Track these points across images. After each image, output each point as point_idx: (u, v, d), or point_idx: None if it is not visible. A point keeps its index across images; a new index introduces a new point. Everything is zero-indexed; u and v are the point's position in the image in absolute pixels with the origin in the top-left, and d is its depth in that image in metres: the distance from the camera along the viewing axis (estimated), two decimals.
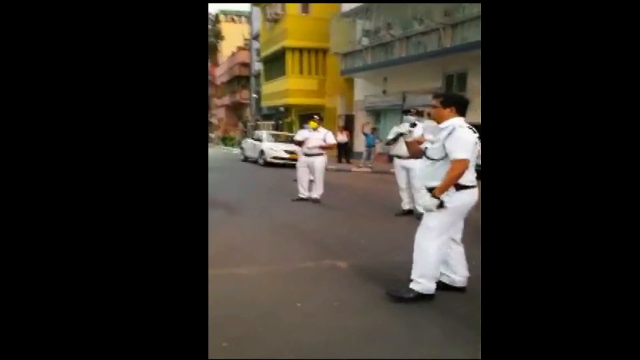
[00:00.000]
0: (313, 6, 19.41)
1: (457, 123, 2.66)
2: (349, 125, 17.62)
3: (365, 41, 15.47)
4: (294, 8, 19.42)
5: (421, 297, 2.72)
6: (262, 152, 14.25)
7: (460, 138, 2.59)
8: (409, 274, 2.77)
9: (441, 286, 2.85)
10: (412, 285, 2.74)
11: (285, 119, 23.27)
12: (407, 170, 5.67)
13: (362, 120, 16.82)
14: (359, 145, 15.29)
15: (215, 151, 24.14)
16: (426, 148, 2.77)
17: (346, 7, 16.42)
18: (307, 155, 6.87)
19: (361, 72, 16.51)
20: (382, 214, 5.98)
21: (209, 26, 36.54)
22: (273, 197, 7.34)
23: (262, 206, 6.44)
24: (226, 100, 36.22)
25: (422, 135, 3.50)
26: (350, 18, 16.14)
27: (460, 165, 2.55)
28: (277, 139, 15.23)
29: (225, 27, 37.73)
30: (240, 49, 32.48)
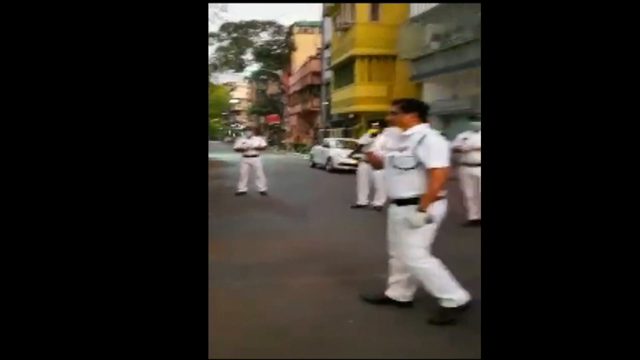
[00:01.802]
0: (382, 13, 19.33)
1: (425, 129, 2.52)
2: None
3: (436, 45, 15.09)
4: (363, 16, 19.47)
5: (463, 310, 2.54)
6: (329, 159, 14.45)
7: (435, 145, 2.45)
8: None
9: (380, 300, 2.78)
10: (445, 304, 2.56)
11: (354, 126, 23.35)
12: (476, 179, 5.44)
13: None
14: None
15: (286, 157, 24.85)
16: (392, 157, 2.57)
17: (415, 11, 16.15)
18: (367, 162, 6.85)
19: (430, 77, 16.11)
20: (448, 224, 5.71)
21: (283, 38, 37.79)
22: (336, 204, 7.41)
23: (325, 213, 6.54)
24: (298, 108, 37.14)
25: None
26: (419, 22, 15.85)
27: (443, 174, 2.42)
28: (344, 145, 15.36)
29: (299, 38, 38.82)
30: (311, 58, 33.19)
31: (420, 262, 2.54)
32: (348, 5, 20.08)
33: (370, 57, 19.67)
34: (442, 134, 10.48)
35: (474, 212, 5.62)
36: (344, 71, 21.53)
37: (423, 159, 2.44)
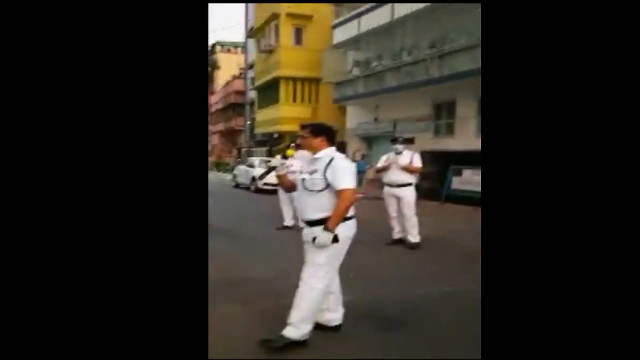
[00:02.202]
0: (305, 38, 19.87)
1: (332, 152, 2.63)
2: (341, 151, 17.74)
3: (357, 71, 15.77)
4: (287, 39, 19.86)
5: (296, 344, 2.49)
6: (253, 179, 14.25)
7: (342, 167, 2.54)
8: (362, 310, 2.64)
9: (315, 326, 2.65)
10: (288, 332, 2.50)
11: (278, 146, 23.42)
12: (398, 198, 5.66)
13: (354, 147, 16.97)
14: None
15: (208, 177, 24.08)
16: (303, 179, 2.62)
17: (337, 38, 16.83)
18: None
19: (353, 100, 16.76)
20: (373, 243, 5.67)
21: None
22: (261, 225, 7.30)
23: (248, 235, 6.40)
24: (220, 126, 36.48)
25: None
26: (341, 49, 16.50)
27: (350, 195, 2.49)
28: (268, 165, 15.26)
29: (221, 58, 38.45)
30: (235, 77, 32.94)
31: (313, 281, 2.52)
32: (272, 28, 20.35)
33: (294, 79, 20.03)
34: (364, 155, 10.89)
35: (397, 231, 5.84)
36: (268, 91, 21.65)
37: (331, 181, 2.49)
